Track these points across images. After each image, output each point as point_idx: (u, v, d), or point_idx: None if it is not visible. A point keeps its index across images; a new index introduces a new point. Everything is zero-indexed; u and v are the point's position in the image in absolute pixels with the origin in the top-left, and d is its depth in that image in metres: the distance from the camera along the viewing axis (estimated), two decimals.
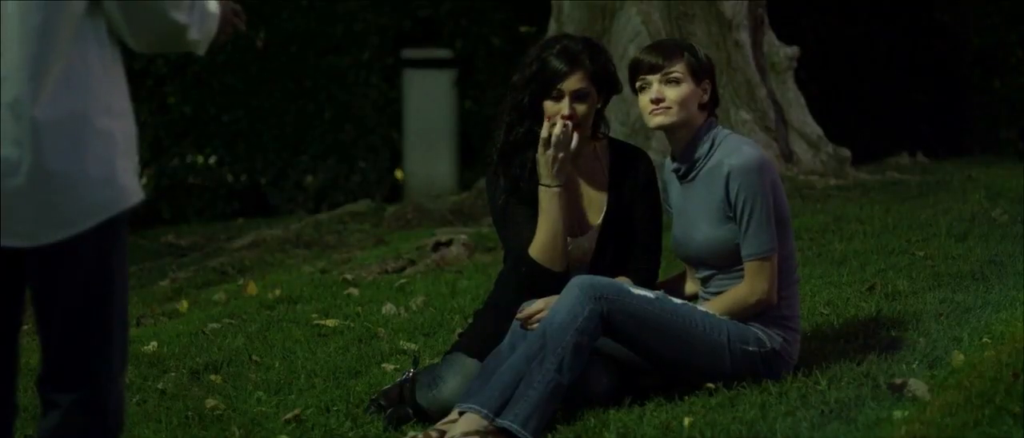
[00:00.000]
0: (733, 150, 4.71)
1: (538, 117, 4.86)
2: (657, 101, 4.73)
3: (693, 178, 4.79)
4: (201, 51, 3.38)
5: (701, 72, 4.76)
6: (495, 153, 4.95)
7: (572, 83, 4.84)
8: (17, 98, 3.14)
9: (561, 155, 4.81)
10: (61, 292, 3.23)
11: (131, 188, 3.26)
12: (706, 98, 4.78)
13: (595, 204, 4.98)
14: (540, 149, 4.83)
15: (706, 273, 4.83)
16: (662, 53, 4.76)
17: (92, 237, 3.20)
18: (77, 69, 3.18)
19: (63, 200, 3.17)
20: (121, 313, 3.30)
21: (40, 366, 3.31)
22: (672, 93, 4.72)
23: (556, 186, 4.84)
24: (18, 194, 3.17)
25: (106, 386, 3.28)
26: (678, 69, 4.72)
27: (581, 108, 4.85)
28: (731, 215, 4.70)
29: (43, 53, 3.15)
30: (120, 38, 3.27)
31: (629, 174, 4.97)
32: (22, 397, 4.76)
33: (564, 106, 4.83)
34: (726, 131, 4.82)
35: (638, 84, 4.79)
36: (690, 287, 4.97)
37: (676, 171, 4.85)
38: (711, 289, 4.81)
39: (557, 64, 4.84)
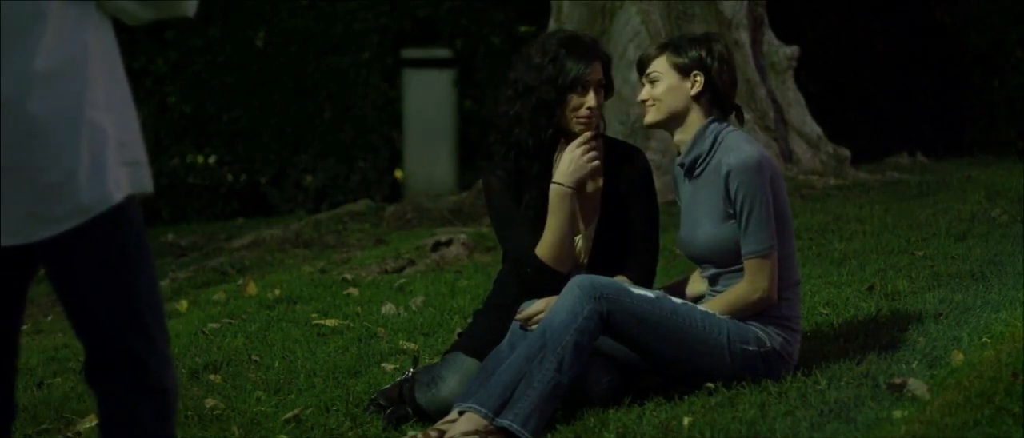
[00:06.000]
0: (733, 148, 4.72)
1: (563, 114, 4.88)
2: (643, 101, 4.82)
3: (698, 176, 4.80)
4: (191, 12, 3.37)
5: (685, 67, 4.78)
6: (513, 153, 4.93)
7: (596, 73, 4.88)
8: (9, 93, 3.13)
9: (587, 159, 4.83)
10: (79, 283, 3.22)
11: (123, 184, 3.24)
12: (696, 89, 4.78)
13: (592, 203, 4.97)
14: (568, 146, 4.84)
15: (711, 271, 4.83)
16: (645, 52, 4.88)
17: (98, 225, 3.19)
18: (71, 63, 3.17)
19: (53, 197, 3.16)
20: (148, 289, 3.28)
21: (84, 358, 3.32)
22: (653, 91, 4.79)
23: (569, 187, 4.84)
24: (8, 190, 3.15)
25: (150, 361, 3.27)
26: (656, 67, 4.80)
27: (601, 99, 4.91)
28: (732, 213, 4.71)
29: (36, 46, 3.14)
30: (116, 14, 3.25)
31: (626, 173, 4.97)
32: (22, 397, 4.76)
33: (590, 97, 4.86)
34: (731, 129, 4.82)
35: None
36: (694, 288, 4.97)
37: (681, 167, 4.87)
38: (718, 287, 4.81)
39: (578, 58, 4.87)
